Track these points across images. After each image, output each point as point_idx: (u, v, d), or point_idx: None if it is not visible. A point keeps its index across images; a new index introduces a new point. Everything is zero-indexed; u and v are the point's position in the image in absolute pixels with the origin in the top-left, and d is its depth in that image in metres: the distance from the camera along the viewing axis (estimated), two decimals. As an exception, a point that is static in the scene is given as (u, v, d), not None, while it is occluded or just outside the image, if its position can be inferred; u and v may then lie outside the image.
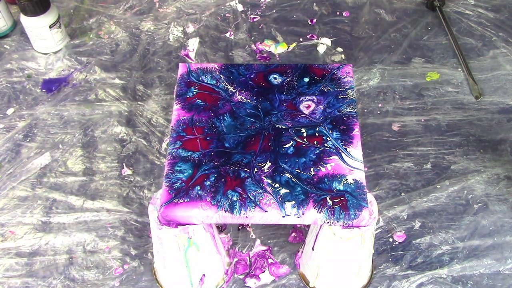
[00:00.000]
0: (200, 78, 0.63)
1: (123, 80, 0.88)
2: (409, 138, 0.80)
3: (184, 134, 0.58)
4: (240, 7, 1.00)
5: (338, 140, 0.57)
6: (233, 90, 0.62)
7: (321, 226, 0.56)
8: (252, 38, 0.95)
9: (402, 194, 0.74)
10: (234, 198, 0.52)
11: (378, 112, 0.84)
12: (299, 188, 0.53)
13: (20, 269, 0.67)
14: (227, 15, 0.99)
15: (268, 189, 0.53)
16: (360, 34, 0.95)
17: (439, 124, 0.82)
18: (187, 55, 0.92)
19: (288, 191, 0.53)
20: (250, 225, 0.71)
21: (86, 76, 0.89)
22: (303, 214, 0.52)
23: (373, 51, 0.93)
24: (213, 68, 0.64)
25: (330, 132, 0.58)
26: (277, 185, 0.53)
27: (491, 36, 0.94)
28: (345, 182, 0.54)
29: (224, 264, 0.66)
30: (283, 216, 0.52)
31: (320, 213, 0.52)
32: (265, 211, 0.52)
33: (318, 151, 0.56)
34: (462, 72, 0.89)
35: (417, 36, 0.95)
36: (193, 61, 0.91)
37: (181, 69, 0.64)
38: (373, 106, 0.85)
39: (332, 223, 0.53)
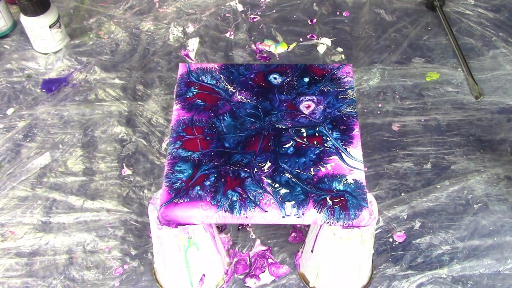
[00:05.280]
0: (200, 78, 0.63)
1: (123, 80, 0.88)
2: (409, 138, 0.80)
3: (184, 134, 0.58)
4: (240, 7, 1.00)
5: (338, 140, 0.57)
6: (233, 90, 0.62)
7: (321, 226, 0.56)
8: (252, 38, 0.95)
9: (402, 194, 0.74)
10: (234, 198, 0.52)
11: (378, 112, 0.84)
12: (299, 188, 0.53)
13: (20, 269, 0.67)
14: (227, 15, 0.99)
15: (268, 189, 0.53)
16: (360, 34, 0.95)
17: (439, 124, 0.82)
18: (187, 55, 0.92)
19: (288, 191, 0.53)
20: (250, 225, 0.71)
21: (86, 76, 0.89)
22: (303, 214, 0.52)
23: (373, 51, 0.93)
24: (213, 68, 0.64)
25: (330, 132, 0.58)
26: (277, 185, 0.53)
27: (491, 36, 0.94)
28: (345, 182, 0.54)
29: (224, 264, 0.66)
30: (283, 216, 0.52)
31: (320, 213, 0.52)
32: (265, 211, 0.52)
33: (318, 151, 0.56)
34: (462, 72, 0.89)
35: (417, 36, 0.95)
36: (193, 61, 0.91)
37: (181, 69, 0.64)
38: (373, 106, 0.85)
39: (332, 223, 0.53)
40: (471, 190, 0.74)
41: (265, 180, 0.54)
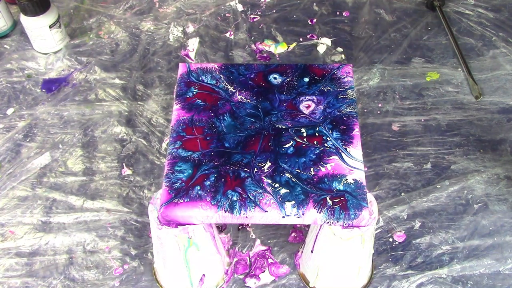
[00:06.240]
0: (200, 78, 0.63)
1: (123, 80, 0.88)
2: (409, 138, 0.80)
3: (184, 134, 0.58)
4: (240, 7, 1.00)
5: (338, 140, 0.57)
6: (233, 90, 0.62)
7: (321, 226, 0.56)
8: (252, 38, 0.95)
9: (402, 194, 0.74)
10: (234, 198, 0.52)
11: (378, 112, 0.84)
12: (299, 188, 0.53)
13: (20, 269, 0.67)
14: (227, 15, 0.99)
15: (268, 189, 0.53)
16: (360, 34, 0.95)
17: (439, 124, 0.82)
18: (187, 55, 0.92)
19: (288, 191, 0.53)
20: (250, 225, 0.71)
21: (86, 76, 0.89)
22: (303, 214, 0.52)
23: (373, 51, 0.93)
24: (213, 68, 0.64)
25: (330, 132, 0.58)
26: (277, 185, 0.53)
27: (491, 36, 0.94)
28: (345, 182, 0.54)
29: (224, 264, 0.66)
30: (283, 216, 0.52)
31: (320, 213, 0.52)
32: (265, 211, 0.52)
33: (318, 151, 0.56)
34: (462, 72, 0.89)
35: (417, 36, 0.95)
36: (193, 61, 0.91)
37: (181, 69, 0.64)
38: (373, 106, 0.85)
39: (332, 223, 0.53)
40: (471, 190, 0.74)
41: (265, 180, 0.54)
